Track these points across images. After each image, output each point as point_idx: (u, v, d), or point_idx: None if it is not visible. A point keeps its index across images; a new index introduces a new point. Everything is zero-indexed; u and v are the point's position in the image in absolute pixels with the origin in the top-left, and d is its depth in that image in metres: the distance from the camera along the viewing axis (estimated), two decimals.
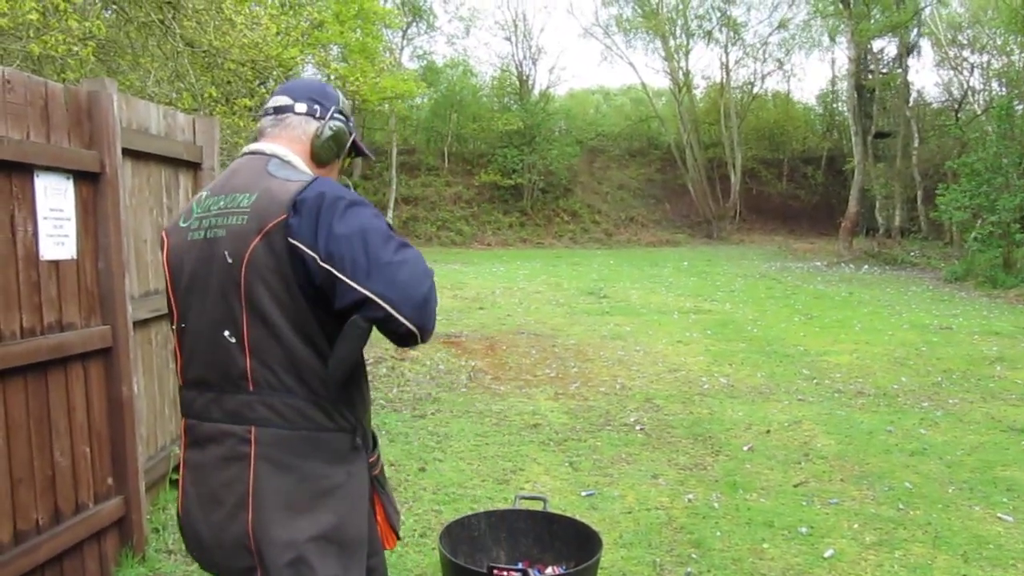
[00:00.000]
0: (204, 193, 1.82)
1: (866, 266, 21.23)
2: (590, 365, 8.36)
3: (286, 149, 1.83)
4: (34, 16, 5.55)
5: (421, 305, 1.58)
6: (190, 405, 1.78)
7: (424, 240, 27.71)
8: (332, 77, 17.62)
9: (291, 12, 12.00)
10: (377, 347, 8.12)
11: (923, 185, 26.63)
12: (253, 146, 1.86)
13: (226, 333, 1.67)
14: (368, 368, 2.03)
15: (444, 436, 5.84)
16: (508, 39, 34.21)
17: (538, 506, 3.36)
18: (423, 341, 1.63)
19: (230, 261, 1.65)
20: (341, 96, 1.95)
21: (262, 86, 10.01)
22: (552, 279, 16.92)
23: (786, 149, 36.49)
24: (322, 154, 1.87)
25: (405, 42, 31.49)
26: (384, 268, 1.56)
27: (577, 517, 3.54)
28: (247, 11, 8.18)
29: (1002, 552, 3.99)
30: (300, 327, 1.64)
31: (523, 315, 11.72)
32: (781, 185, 35.26)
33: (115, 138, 3.46)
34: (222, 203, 1.73)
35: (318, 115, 1.88)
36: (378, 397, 6.91)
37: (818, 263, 22.07)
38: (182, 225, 1.80)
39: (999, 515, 4.47)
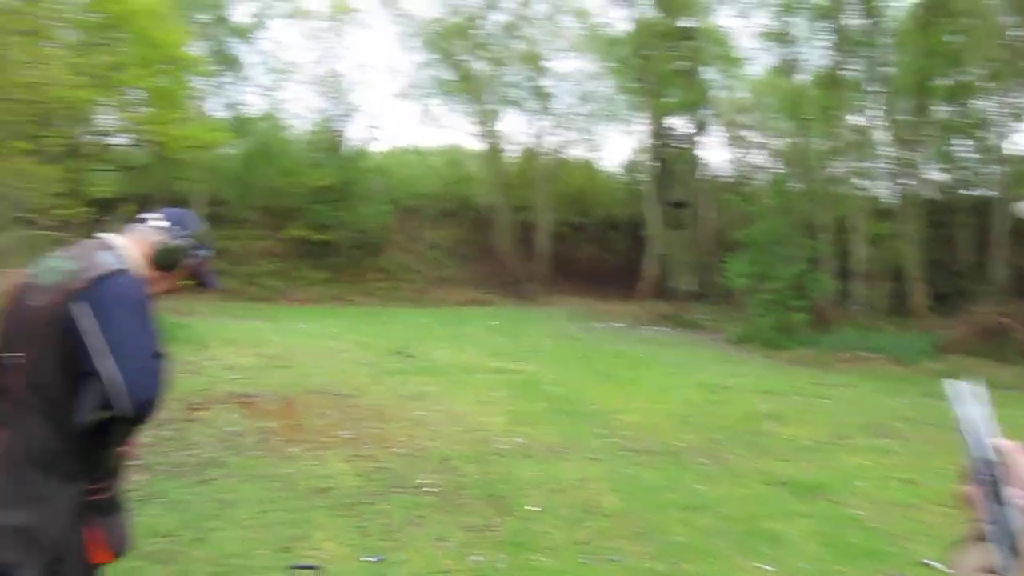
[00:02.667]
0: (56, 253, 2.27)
1: (663, 328, 22.41)
2: (389, 426, 8.25)
3: (126, 244, 2.24)
4: None
5: (147, 409, 2.09)
6: None
7: (230, 295, 26.64)
8: (130, 122, 16.85)
9: (86, 53, 11.42)
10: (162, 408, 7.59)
11: (715, 252, 28.56)
12: (102, 234, 2.29)
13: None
14: (152, 430, 2.40)
15: (228, 503, 5.55)
16: (323, 94, 33.73)
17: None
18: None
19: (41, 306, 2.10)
20: (200, 224, 2.41)
21: (45, 127, 9.40)
22: (360, 338, 16.66)
23: (592, 214, 38.06)
24: (158, 259, 2.29)
25: (215, 90, 30.52)
26: (133, 364, 2.04)
27: None
28: (32, 49, 7.70)
29: None
30: (63, 366, 2.06)
31: (326, 374, 11.43)
32: (588, 248, 36.68)
33: None
34: (52, 263, 2.17)
35: (169, 229, 2.32)
36: (161, 462, 6.49)
37: (619, 324, 23.05)
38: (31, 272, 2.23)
39: (762, 565, 4.77)
